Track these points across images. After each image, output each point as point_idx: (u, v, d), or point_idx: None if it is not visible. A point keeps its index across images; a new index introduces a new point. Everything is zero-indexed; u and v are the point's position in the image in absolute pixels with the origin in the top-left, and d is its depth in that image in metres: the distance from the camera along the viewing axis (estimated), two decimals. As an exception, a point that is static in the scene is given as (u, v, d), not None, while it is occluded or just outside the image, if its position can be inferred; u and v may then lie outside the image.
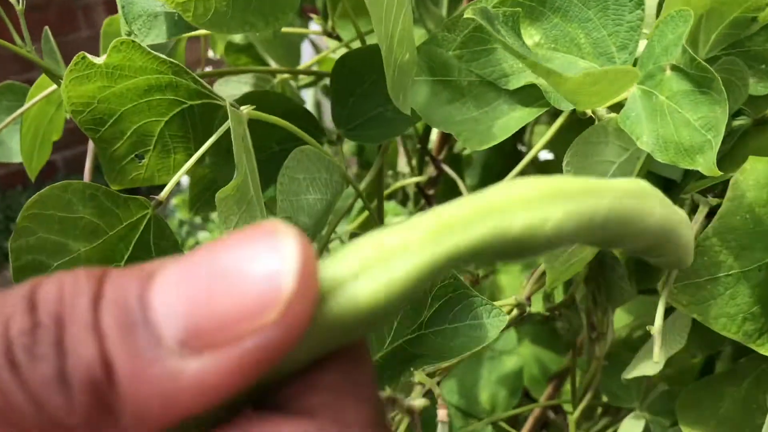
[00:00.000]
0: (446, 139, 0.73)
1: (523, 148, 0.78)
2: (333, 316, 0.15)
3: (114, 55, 0.34)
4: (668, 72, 0.35)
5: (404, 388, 0.34)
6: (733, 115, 0.40)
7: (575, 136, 0.39)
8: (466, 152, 0.84)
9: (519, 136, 0.67)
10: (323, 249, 0.50)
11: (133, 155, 0.39)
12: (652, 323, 0.62)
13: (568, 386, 0.83)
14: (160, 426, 0.14)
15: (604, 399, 0.61)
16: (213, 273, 0.14)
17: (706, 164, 0.34)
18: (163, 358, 0.13)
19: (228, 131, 0.33)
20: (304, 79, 0.70)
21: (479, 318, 0.34)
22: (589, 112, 0.40)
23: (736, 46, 0.38)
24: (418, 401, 0.32)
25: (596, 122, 0.40)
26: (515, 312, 0.47)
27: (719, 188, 0.41)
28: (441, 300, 0.34)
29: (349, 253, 0.16)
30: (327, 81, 0.67)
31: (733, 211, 0.35)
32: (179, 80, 0.36)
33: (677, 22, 0.35)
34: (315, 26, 0.63)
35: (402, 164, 1.11)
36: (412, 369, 0.33)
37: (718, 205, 0.43)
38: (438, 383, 0.36)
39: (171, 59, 0.35)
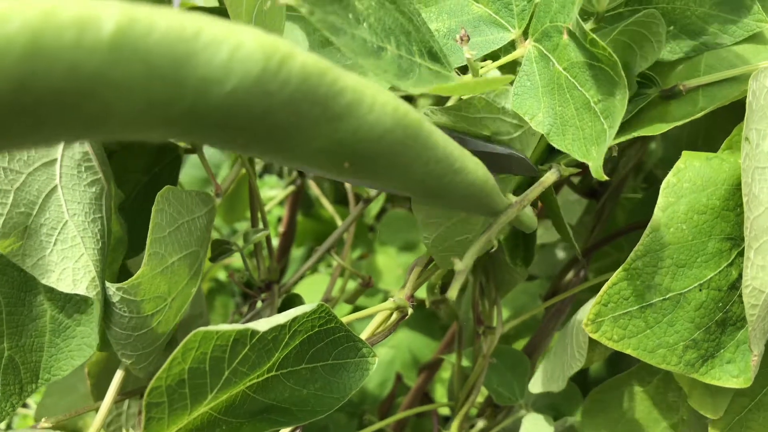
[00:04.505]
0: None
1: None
2: None
3: None
4: (565, 37, 0.29)
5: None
6: (641, 83, 0.35)
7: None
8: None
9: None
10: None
11: None
12: (532, 313, 0.57)
13: (441, 374, 0.79)
14: None
15: (480, 397, 0.57)
16: None
17: (597, 160, 0.28)
18: None
19: None
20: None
21: (344, 357, 0.26)
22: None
23: (642, 1, 0.33)
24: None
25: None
26: (395, 317, 0.40)
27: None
28: (303, 335, 0.25)
29: None
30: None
31: (667, 222, 0.29)
32: None
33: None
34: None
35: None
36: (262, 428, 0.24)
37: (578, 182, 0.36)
38: None
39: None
